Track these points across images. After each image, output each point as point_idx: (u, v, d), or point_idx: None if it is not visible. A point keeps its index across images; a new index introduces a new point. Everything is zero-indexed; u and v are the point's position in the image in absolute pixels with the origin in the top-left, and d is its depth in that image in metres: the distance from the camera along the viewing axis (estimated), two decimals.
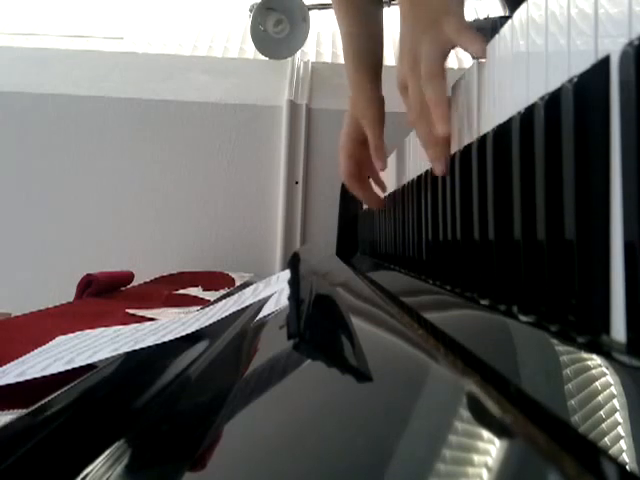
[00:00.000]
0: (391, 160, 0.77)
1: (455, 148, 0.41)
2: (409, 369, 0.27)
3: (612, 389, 0.17)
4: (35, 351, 0.44)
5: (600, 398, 0.17)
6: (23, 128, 1.41)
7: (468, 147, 0.37)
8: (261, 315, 0.47)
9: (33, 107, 1.40)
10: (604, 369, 0.18)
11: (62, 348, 0.43)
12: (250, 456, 0.21)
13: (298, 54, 1.55)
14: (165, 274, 1.24)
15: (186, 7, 1.98)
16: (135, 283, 1.09)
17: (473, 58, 0.44)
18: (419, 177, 0.54)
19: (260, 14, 1.46)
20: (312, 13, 1.50)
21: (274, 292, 0.55)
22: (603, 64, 0.22)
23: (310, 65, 1.56)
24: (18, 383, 0.35)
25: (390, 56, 1.70)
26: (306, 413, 0.24)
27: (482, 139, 0.35)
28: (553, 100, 0.25)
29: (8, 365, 0.40)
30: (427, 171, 0.50)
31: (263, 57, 1.53)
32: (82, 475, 0.22)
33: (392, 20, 0.96)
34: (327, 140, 1.40)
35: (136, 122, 1.41)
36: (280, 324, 0.38)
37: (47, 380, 0.35)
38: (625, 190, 0.21)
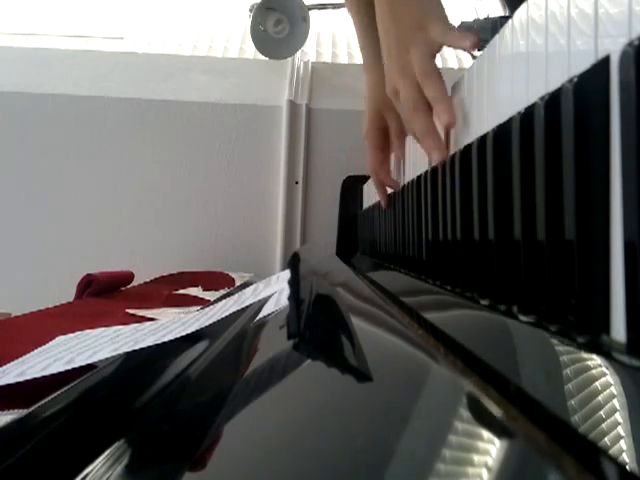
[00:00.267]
0: (390, 160, 0.77)
1: (455, 148, 0.41)
2: (409, 369, 0.27)
3: (612, 389, 0.17)
4: (35, 351, 0.44)
5: (600, 398, 0.17)
6: (23, 128, 1.41)
7: (468, 147, 0.37)
8: (261, 315, 0.47)
9: (33, 107, 1.40)
10: (604, 369, 0.18)
11: (62, 348, 0.43)
12: (250, 456, 0.21)
13: (298, 54, 1.55)
14: (165, 274, 1.24)
15: (186, 7, 1.98)
16: (135, 283, 1.09)
17: (467, 52, 0.45)
18: (419, 177, 0.54)
19: (260, 14, 1.46)
20: (312, 13, 1.50)
21: (274, 292, 0.55)
22: (603, 64, 0.22)
23: (310, 65, 1.56)
24: (18, 383, 0.35)
25: None
26: (306, 413, 0.24)
27: (482, 139, 0.35)
28: (553, 100, 0.25)
29: (8, 365, 0.40)
30: (427, 171, 0.50)
31: (263, 57, 1.53)
32: (82, 475, 0.22)
33: None
34: (327, 140, 1.40)
35: (136, 122, 1.41)
36: (280, 324, 0.38)
37: (47, 380, 0.35)
38: (625, 190, 0.21)
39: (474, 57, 0.43)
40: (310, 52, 1.72)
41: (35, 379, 0.35)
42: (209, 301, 0.76)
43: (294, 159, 1.41)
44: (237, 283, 1.06)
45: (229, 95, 1.44)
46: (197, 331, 0.42)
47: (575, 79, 0.24)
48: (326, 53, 1.76)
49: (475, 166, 0.36)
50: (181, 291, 0.96)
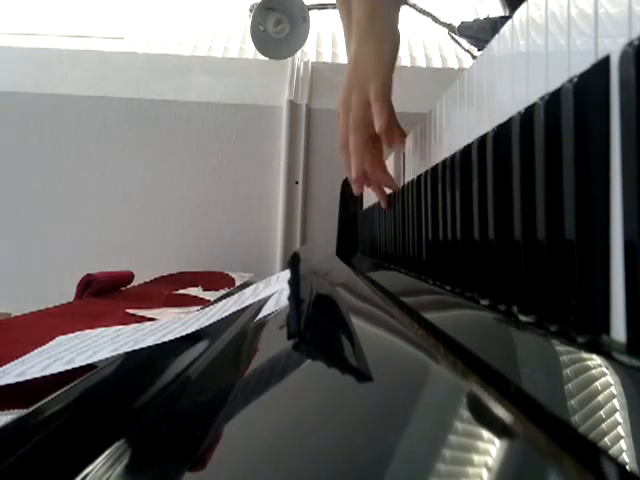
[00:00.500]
0: (390, 160, 0.77)
1: (455, 148, 0.41)
2: (409, 369, 0.27)
3: (612, 389, 0.17)
4: (35, 351, 0.44)
5: (600, 398, 0.17)
6: (23, 128, 1.41)
7: (468, 147, 0.37)
8: (261, 315, 0.47)
9: (33, 107, 1.40)
10: (604, 369, 0.18)
11: (62, 348, 0.43)
12: (250, 456, 0.21)
13: (298, 54, 1.55)
14: (165, 274, 1.24)
15: (186, 7, 1.98)
16: (135, 283, 1.09)
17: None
18: (419, 177, 0.54)
19: (260, 14, 1.46)
20: (312, 13, 1.50)
21: (274, 292, 0.55)
22: (603, 64, 0.22)
23: (310, 65, 1.56)
24: (18, 383, 0.35)
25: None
26: (306, 413, 0.24)
27: (482, 139, 0.35)
28: (553, 100, 0.25)
29: (8, 365, 0.40)
30: (427, 171, 0.51)
31: (263, 57, 1.53)
32: (82, 475, 0.22)
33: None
34: (327, 140, 1.40)
35: (136, 122, 1.41)
36: (280, 324, 0.38)
37: (47, 380, 0.35)
38: (625, 190, 0.21)
39: (474, 57, 0.43)
40: (310, 52, 1.72)
41: (35, 379, 0.35)
42: (209, 301, 0.76)
43: (294, 159, 1.41)
44: (237, 283, 1.06)
45: (229, 95, 1.44)
46: (197, 331, 0.42)
47: (575, 79, 0.24)
48: (326, 53, 1.76)
49: (475, 166, 0.36)
50: (181, 291, 0.96)
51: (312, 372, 0.30)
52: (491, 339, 0.28)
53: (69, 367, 0.36)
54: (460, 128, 0.45)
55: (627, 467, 0.14)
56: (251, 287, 0.68)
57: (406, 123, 0.69)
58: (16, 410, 0.31)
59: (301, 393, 0.28)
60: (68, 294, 0.95)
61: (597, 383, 0.18)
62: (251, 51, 1.67)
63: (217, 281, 1.10)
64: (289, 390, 0.28)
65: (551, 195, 0.25)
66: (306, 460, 0.19)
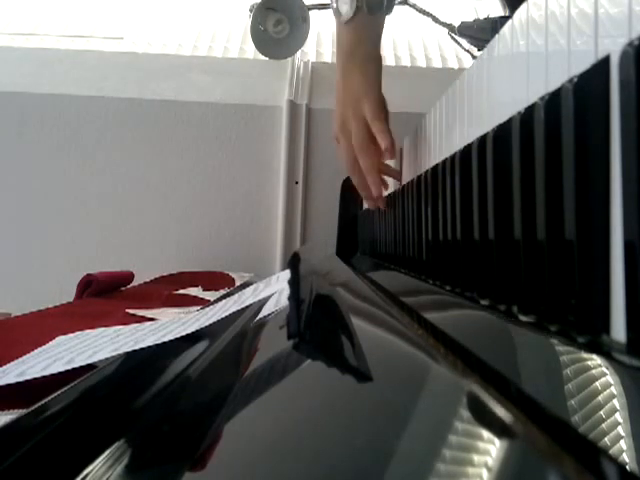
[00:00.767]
0: (390, 160, 0.76)
1: (455, 148, 0.41)
2: (409, 369, 0.27)
3: (612, 389, 0.17)
4: (35, 351, 0.44)
5: (600, 398, 0.17)
6: (23, 128, 1.41)
7: (468, 147, 0.37)
8: (261, 315, 0.47)
9: (33, 107, 1.40)
10: (604, 369, 0.18)
11: (62, 348, 0.43)
12: (250, 456, 0.21)
13: (298, 54, 1.55)
14: (165, 274, 1.24)
15: (186, 7, 1.98)
16: (135, 283, 1.09)
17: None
18: (419, 177, 0.54)
19: (260, 14, 1.46)
20: (312, 13, 1.50)
21: (274, 292, 0.55)
22: (603, 64, 0.22)
23: (310, 65, 1.56)
24: (18, 383, 0.35)
25: (390, 56, 1.70)
26: (306, 413, 0.24)
27: (482, 139, 0.35)
28: (553, 100, 0.25)
29: (8, 365, 0.40)
30: (427, 171, 0.51)
31: (263, 57, 1.53)
32: (82, 475, 0.22)
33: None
34: (327, 140, 1.39)
35: (136, 122, 1.41)
36: (280, 324, 0.38)
37: (47, 380, 0.35)
38: (625, 190, 0.21)
39: (474, 57, 0.43)
40: (310, 52, 1.72)
41: (35, 379, 0.35)
42: (209, 301, 0.76)
43: (294, 159, 1.41)
44: (237, 283, 1.06)
45: (229, 95, 1.44)
46: (197, 331, 0.42)
47: (575, 79, 0.24)
48: (326, 53, 1.76)
49: (475, 166, 0.36)
50: (181, 291, 0.96)
51: (312, 372, 0.30)
52: (491, 339, 0.28)
53: (69, 367, 0.36)
54: (460, 128, 0.45)
55: (627, 467, 0.14)
56: (251, 287, 0.68)
57: (406, 123, 0.69)
58: (16, 410, 0.31)
59: (301, 393, 0.28)
60: (68, 294, 0.95)
61: (597, 383, 0.18)
62: (251, 51, 1.67)
63: (217, 281, 1.10)
64: (289, 390, 0.28)
65: (551, 195, 0.25)
66: (306, 460, 0.19)
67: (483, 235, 0.34)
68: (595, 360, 0.19)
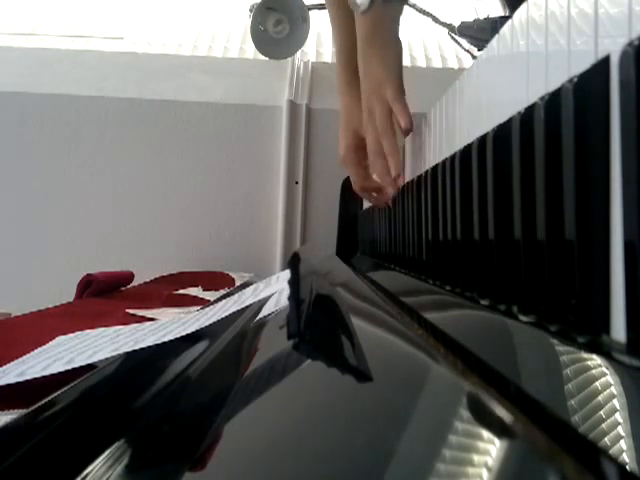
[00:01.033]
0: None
1: (455, 148, 0.41)
2: (409, 369, 0.27)
3: (612, 389, 0.17)
4: (35, 351, 0.44)
5: (600, 398, 0.17)
6: (23, 128, 1.41)
7: (468, 147, 0.37)
8: (261, 315, 0.47)
9: (33, 107, 1.40)
10: (604, 369, 0.18)
11: (62, 348, 0.43)
12: (250, 456, 0.21)
13: (298, 54, 1.55)
14: (165, 274, 1.24)
15: (186, 7, 1.98)
16: (135, 283, 1.09)
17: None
18: (419, 177, 0.54)
19: (260, 14, 1.46)
20: (312, 13, 1.50)
21: (274, 292, 0.55)
22: (603, 64, 0.22)
23: (310, 65, 1.56)
24: (18, 383, 0.35)
25: None
26: (306, 413, 0.24)
27: (482, 139, 0.35)
28: (553, 100, 0.25)
29: (8, 365, 0.40)
30: (427, 171, 0.50)
31: (263, 57, 1.53)
32: (82, 475, 0.22)
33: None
34: (327, 140, 1.40)
35: (136, 122, 1.41)
36: (280, 324, 0.38)
37: (47, 380, 0.35)
38: (625, 190, 0.21)
39: (474, 57, 0.43)
40: (310, 52, 1.72)
41: (35, 379, 0.35)
42: (209, 301, 0.76)
43: (294, 159, 1.41)
44: (237, 283, 1.06)
45: (229, 95, 1.44)
46: (197, 331, 0.42)
47: (575, 79, 0.24)
48: (326, 53, 1.76)
49: (475, 166, 0.36)
50: (181, 291, 0.96)
51: (312, 372, 0.30)
52: (491, 339, 0.28)
53: (69, 367, 0.36)
54: (460, 128, 0.45)
55: (627, 467, 0.14)
56: (251, 287, 0.68)
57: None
58: (16, 410, 0.31)
59: (301, 393, 0.28)
60: (68, 294, 0.95)
61: (597, 383, 0.18)
62: (251, 51, 1.67)
63: (217, 281, 1.10)
64: (289, 390, 0.28)
65: (551, 195, 0.25)
66: (306, 460, 0.19)
67: (483, 235, 0.34)
68: (595, 360, 0.19)
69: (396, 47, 0.70)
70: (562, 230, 0.24)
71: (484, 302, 0.32)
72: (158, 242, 1.40)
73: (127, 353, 0.37)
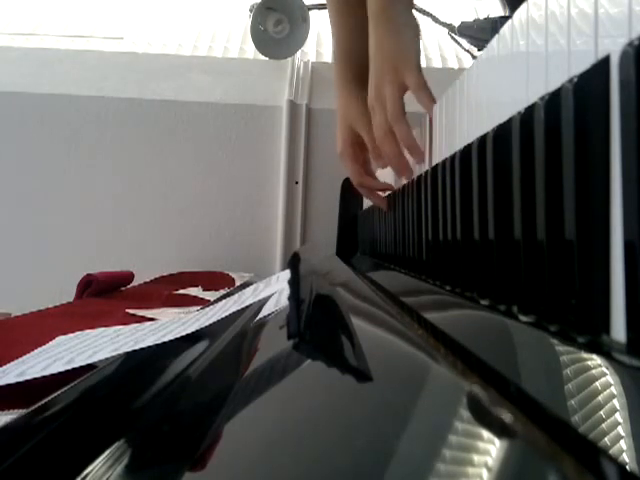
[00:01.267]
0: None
1: (455, 148, 0.41)
2: (409, 369, 0.27)
3: (612, 389, 0.17)
4: (35, 351, 0.44)
5: (600, 398, 0.17)
6: (23, 128, 1.41)
7: (468, 147, 0.37)
8: (261, 315, 0.47)
9: (33, 107, 1.40)
10: (604, 369, 0.18)
11: (62, 348, 0.43)
12: (250, 456, 0.21)
13: (298, 54, 1.55)
14: (165, 274, 1.24)
15: (186, 7, 1.98)
16: (135, 283, 1.09)
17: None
18: (419, 177, 0.54)
19: (260, 14, 1.46)
20: (312, 13, 1.50)
21: (274, 292, 0.55)
22: (603, 64, 0.22)
23: (310, 65, 1.56)
24: (18, 383, 0.35)
25: None
26: (306, 413, 0.24)
27: (482, 139, 0.35)
28: (553, 100, 0.25)
29: (8, 365, 0.40)
30: (427, 171, 0.51)
31: (263, 57, 1.53)
32: (82, 475, 0.22)
33: None
34: (327, 140, 1.39)
35: (136, 122, 1.41)
36: (280, 324, 0.38)
37: (47, 380, 0.35)
38: (625, 190, 0.21)
39: (474, 57, 0.43)
40: (310, 52, 1.72)
41: (35, 379, 0.35)
42: (209, 301, 0.76)
43: (294, 159, 1.41)
44: (237, 283, 1.06)
45: (229, 95, 1.44)
46: (197, 331, 0.42)
47: (575, 79, 0.24)
48: (326, 53, 1.76)
49: (475, 166, 0.36)
50: (181, 291, 0.96)
51: (312, 372, 0.30)
52: (491, 339, 0.28)
53: (69, 367, 0.36)
54: (460, 128, 0.45)
55: (627, 467, 0.14)
56: (251, 287, 0.68)
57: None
58: (16, 410, 0.31)
59: (301, 393, 0.28)
60: (68, 294, 0.95)
61: (597, 383, 0.18)
62: (251, 51, 1.67)
63: (217, 281, 1.10)
64: (289, 390, 0.28)
65: (551, 195, 0.25)
66: (306, 460, 0.19)
67: (483, 235, 0.34)
68: (595, 360, 0.19)
69: (412, 28, 0.64)
70: (562, 230, 0.24)
71: (484, 302, 0.32)
72: (158, 242, 1.40)
73: (127, 353, 0.37)
